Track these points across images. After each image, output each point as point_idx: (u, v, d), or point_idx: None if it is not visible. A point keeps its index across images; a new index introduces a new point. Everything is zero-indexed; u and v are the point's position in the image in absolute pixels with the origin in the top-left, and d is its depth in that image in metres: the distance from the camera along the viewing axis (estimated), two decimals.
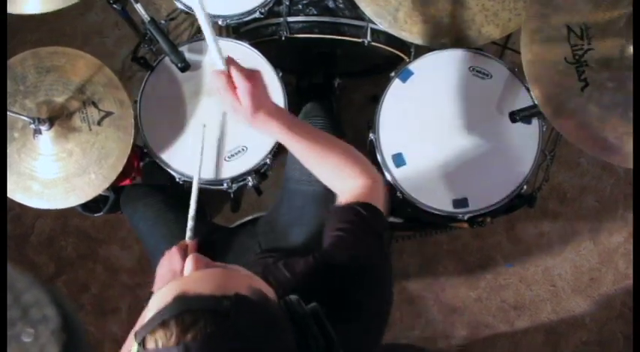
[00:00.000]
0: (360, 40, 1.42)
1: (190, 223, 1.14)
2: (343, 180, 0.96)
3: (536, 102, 1.07)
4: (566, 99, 1.05)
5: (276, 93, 1.35)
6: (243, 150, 1.33)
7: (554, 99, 1.05)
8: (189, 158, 1.33)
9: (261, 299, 0.62)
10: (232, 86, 0.88)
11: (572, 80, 1.04)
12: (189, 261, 0.70)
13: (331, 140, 0.97)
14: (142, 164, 1.44)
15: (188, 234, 1.13)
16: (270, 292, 0.66)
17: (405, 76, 1.35)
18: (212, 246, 1.25)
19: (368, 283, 0.82)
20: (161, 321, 0.57)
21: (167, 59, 1.35)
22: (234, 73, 0.87)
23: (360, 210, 0.88)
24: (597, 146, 1.05)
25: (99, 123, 1.25)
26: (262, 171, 1.40)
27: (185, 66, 1.32)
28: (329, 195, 1.29)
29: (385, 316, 0.84)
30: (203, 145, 1.29)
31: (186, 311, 0.57)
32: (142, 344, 0.57)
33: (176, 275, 1.04)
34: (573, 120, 1.05)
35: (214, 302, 0.58)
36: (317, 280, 0.82)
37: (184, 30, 1.97)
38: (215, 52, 0.86)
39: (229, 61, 0.87)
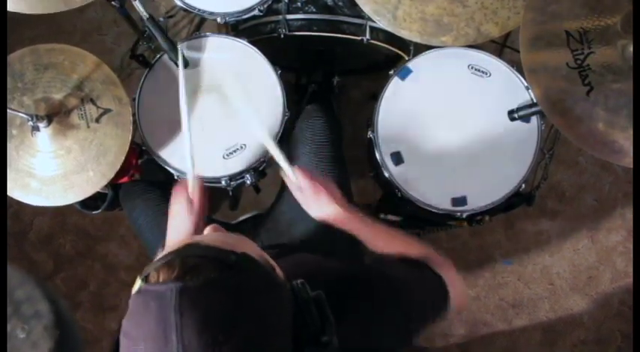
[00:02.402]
0: (359, 38, 1.42)
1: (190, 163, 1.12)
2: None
3: (535, 101, 1.06)
4: (573, 104, 1.04)
5: (275, 91, 1.34)
6: (241, 147, 1.33)
7: (560, 106, 1.05)
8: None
9: (268, 265, 0.65)
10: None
11: (576, 85, 1.03)
12: (209, 228, 0.75)
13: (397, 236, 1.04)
14: (140, 161, 1.44)
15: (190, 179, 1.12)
16: (279, 270, 0.68)
17: (404, 74, 1.35)
18: None
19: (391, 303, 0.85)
20: (167, 260, 0.60)
21: (166, 57, 1.35)
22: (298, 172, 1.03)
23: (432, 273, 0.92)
24: (607, 149, 1.04)
25: (97, 121, 1.25)
26: (261, 168, 1.40)
27: (184, 63, 1.32)
28: None
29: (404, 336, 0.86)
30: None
31: (192, 255, 0.60)
32: (145, 278, 0.60)
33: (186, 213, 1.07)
34: (582, 126, 1.04)
35: (221, 253, 0.61)
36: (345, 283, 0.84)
37: (183, 27, 1.97)
38: (282, 161, 1.04)
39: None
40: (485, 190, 1.30)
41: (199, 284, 0.57)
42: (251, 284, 0.60)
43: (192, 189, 1.10)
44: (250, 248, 0.66)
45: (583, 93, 1.03)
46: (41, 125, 1.21)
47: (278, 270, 0.67)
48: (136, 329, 0.59)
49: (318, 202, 1.02)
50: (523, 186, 1.31)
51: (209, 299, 0.57)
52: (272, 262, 0.68)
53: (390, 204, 1.68)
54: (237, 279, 0.59)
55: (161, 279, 0.58)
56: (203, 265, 0.58)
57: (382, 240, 1.02)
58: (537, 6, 1.08)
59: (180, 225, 1.08)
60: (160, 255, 0.64)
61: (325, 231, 1.27)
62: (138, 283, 0.60)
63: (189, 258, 0.59)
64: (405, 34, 1.25)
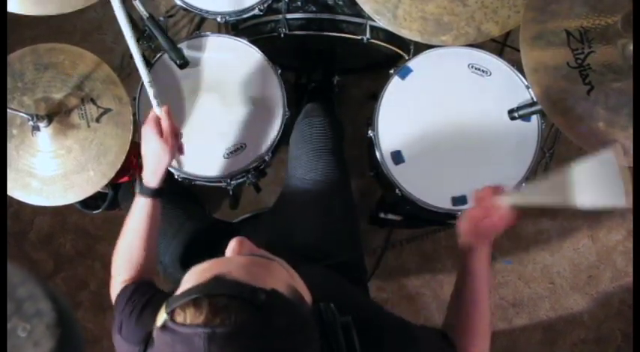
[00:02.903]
0: (359, 38, 1.42)
1: (151, 90, 1.13)
2: (462, 330, 0.98)
3: (535, 100, 1.06)
4: (573, 104, 1.04)
5: (275, 90, 1.35)
6: (242, 147, 1.33)
7: (561, 105, 1.04)
8: (187, 155, 1.32)
9: (296, 300, 0.62)
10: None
11: (577, 84, 1.03)
12: (234, 242, 0.71)
13: (485, 305, 1.02)
14: (140, 161, 1.43)
15: (154, 102, 1.13)
16: (306, 293, 0.66)
17: (404, 73, 1.35)
18: (213, 238, 1.24)
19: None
20: (194, 298, 0.57)
21: (166, 56, 1.35)
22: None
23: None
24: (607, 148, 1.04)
25: (97, 120, 1.25)
26: (261, 168, 1.40)
27: (184, 63, 1.31)
28: (331, 194, 1.30)
29: None
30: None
31: (221, 294, 0.57)
32: (171, 314, 0.58)
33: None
34: (583, 125, 1.04)
35: (251, 292, 0.58)
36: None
37: (183, 27, 1.97)
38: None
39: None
40: None
41: (227, 331, 0.55)
42: (280, 325, 0.58)
43: (162, 119, 1.12)
44: (280, 277, 0.64)
45: (583, 92, 1.03)
46: (41, 125, 1.21)
47: (306, 295, 0.66)
48: None
49: (494, 226, 1.06)
50: (523, 185, 1.31)
51: (238, 344, 0.56)
52: (300, 288, 0.65)
53: (390, 203, 1.68)
54: (266, 322, 0.57)
55: (188, 321, 0.56)
56: (231, 307, 0.56)
57: (484, 291, 1.03)
58: (538, 5, 1.08)
59: (156, 159, 1.11)
60: (186, 282, 0.62)
61: (325, 233, 1.27)
62: (163, 316, 0.59)
63: (217, 297, 0.57)
64: (405, 33, 1.25)
